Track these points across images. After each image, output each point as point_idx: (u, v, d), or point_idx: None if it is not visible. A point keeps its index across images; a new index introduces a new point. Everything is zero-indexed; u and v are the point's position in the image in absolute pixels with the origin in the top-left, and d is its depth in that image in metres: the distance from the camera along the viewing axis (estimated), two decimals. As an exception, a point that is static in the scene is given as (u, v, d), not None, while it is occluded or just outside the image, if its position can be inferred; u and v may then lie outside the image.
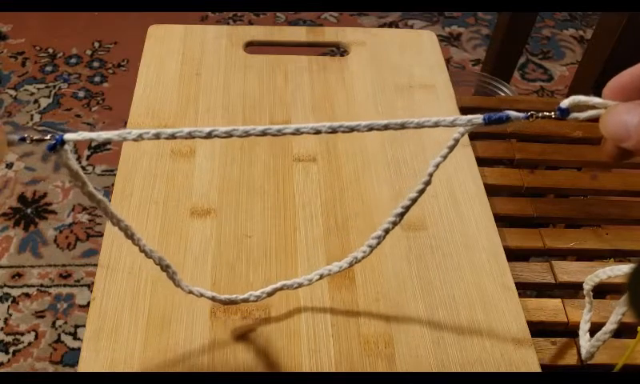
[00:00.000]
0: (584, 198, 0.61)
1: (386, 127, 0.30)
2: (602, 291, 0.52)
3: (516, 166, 0.61)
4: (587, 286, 0.40)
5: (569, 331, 0.47)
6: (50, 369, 0.90)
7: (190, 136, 0.30)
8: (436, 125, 0.30)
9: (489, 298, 0.44)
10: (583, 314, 0.42)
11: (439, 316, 0.43)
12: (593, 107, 0.29)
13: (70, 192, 1.12)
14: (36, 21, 1.48)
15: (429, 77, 0.61)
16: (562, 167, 0.63)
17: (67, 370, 0.90)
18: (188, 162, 0.51)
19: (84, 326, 0.41)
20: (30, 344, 0.92)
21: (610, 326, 0.38)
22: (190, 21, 1.29)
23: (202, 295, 0.39)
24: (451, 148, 0.34)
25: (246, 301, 0.41)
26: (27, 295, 0.98)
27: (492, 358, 0.41)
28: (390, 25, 1.54)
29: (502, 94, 0.90)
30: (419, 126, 0.30)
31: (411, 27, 1.53)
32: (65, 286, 1.00)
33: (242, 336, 0.41)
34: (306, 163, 0.52)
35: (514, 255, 0.51)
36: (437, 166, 0.35)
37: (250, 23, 1.51)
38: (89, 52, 1.42)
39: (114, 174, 0.50)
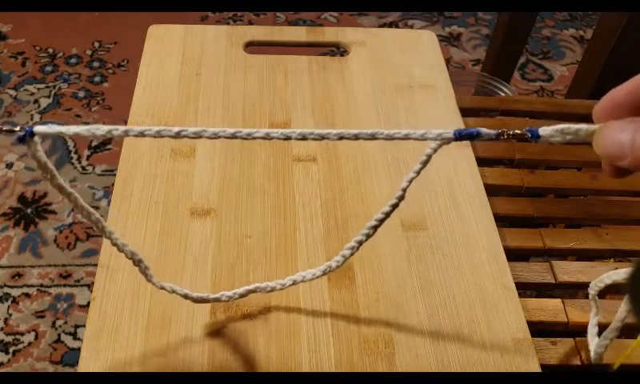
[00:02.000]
0: (584, 197, 0.61)
1: (356, 137, 0.30)
2: (602, 291, 0.52)
3: (516, 165, 0.60)
4: (592, 292, 0.40)
5: (569, 331, 0.47)
6: (50, 369, 0.90)
7: (159, 135, 0.30)
8: (406, 137, 0.30)
9: (489, 298, 0.44)
10: (590, 318, 0.42)
11: (439, 316, 0.43)
12: (576, 133, 0.29)
13: (70, 192, 1.12)
14: (36, 21, 1.48)
15: (429, 77, 0.61)
16: (562, 167, 0.63)
17: (67, 370, 0.90)
18: (188, 162, 0.51)
19: (84, 326, 0.41)
20: (30, 344, 0.92)
21: (616, 323, 0.38)
22: (190, 21, 1.30)
23: (173, 291, 0.39)
24: (424, 163, 0.33)
25: (217, 300, 0.41)
26: (27, 295, 0.98)
27: (492, 358, 0.41)
28: (390, 25, 1.54)
29: (502, 94, 0.90)
30: (389, 137, 0.30)
31: (411, 27, 1.53)
32: (65, 286, 1.00)
33: (242, 336, 0.41)
34: (305, 163, 0.52)
35: (514, 255, 0.51)
36: (410, 181, 0.35)
37: (250, 23, 1.51)
38: (89, 52, 1.42)
39: (114, 174, 0.50)
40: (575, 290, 0.57)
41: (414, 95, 0.59)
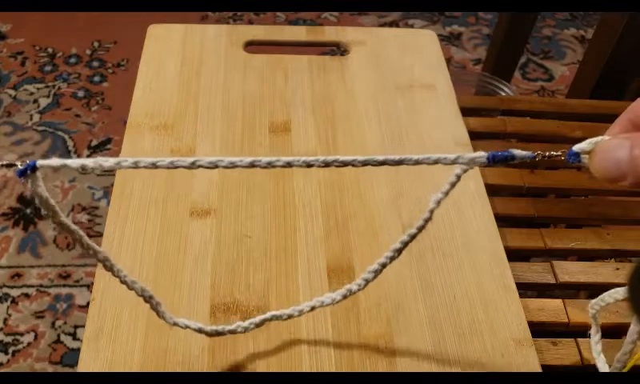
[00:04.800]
0: (585, 198, 0.61)
1: (383, 163, 0.29)
2: (603, 292, 0.52)
3: (517, 165, 0.60)
4: (592, 311, 0.40)
5: (570, 332, 0.47)
6: (50, 369, 0.90)
7: (173, 166, 0.28)
8: (437, 162, 0.29)
9: (489, 298, 0.44)
10: (592, 336, 0.41)
11: (440, 316, 0.43)
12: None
13: (69, 192, 1.12)
14: (36, 21, 1.48)
15: (429, 76, 0.61)
16: (563, 167, 0.63)
17: (67, 370, 0.90)
18: (188, 161, 0.51)
19: (83, 326, 0.41)
20: (29, 344, 0.92)
21: (628, 346, 0.37)
22: (190, 21, 1.29)
23: (187, 327, 0.37)
24: (453, 184, 0.32)
25: (233, 332, 0.39)
26: (27, 295, 0.98)
27: (493, 358, 0.41)
28: (391, 24, 1.54)
29: (503, 94, 0.90)
30: (417, 162, 0.29)
31: (412, 27, 1.53)
32: (64, 286, 1.00)
33: (242, 336, 0.41)
34: (306, 163, 0.52)
35: (515, 255, 0.51)
36: (438, 202, 0.33)
37: (250, 23, 1.51)
38: (88, 52, 1.42)
39: (114, 174, 0.49)
40: (576, 291, 0.57)
41: (414, 95, 0.59)
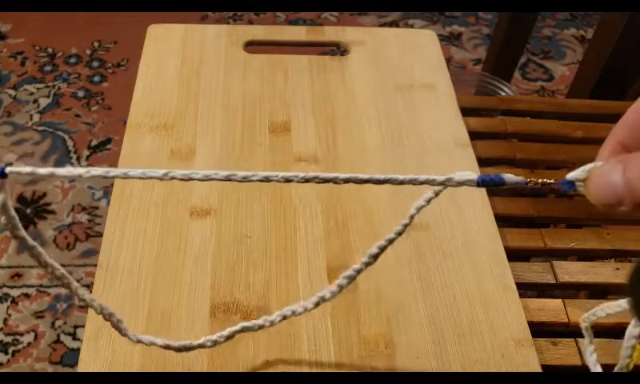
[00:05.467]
0: (585, 197, 0.61)
1: (367, 181, 0.28)
2: (603, 292, 0.52)
3: (517, 165, 0.60)
4: (585, 323, 0.39)
5: (570, 332, 0.47)
6: (50, 369, 0.90)
7: (125, 176, 0.26)
8: (427, 182, 0.28)
9: (489, 298, 0.44)
10: (586, 349, 0.40)
11: (439, 316, 0.43)
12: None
13: (69, 192, 1.12)
14: (36, 21, 1.48)
15: (429, 76, 0.61)
16: (563, 167, 0.63)
17: (67, 370, 0.90)
18: (187, 162, 0.51)
19: (83, 326, 0.41)
20: (29, 344, 0.92)
21: (627, 351, 0.37)
22: (190, 21, 1.29)
23: (152, 343, 0.36)
24: (437, 193, 0.31)
25: (202, 346, 0.37)
26: (26, 295, 0.98)
27: (492, 358, 0.41)
28: (391, 24, 1.54)
29: (503, 94, 0.90)
30: (405, 182, 0.28)
31: (412, 27, 1.53)
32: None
33: (242, 336, 0.41)
34: (306, 163, 0.52)
35: (515, 255, 0.51)
36: (419, 209, 0.32)
37: (250, 23, 1.51)
38: (88, 52, 1.42)
39: (114, 174, 0.49)
40: (576, 291, 0.57)
41: (414, 95, 0.59)
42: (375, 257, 0.34)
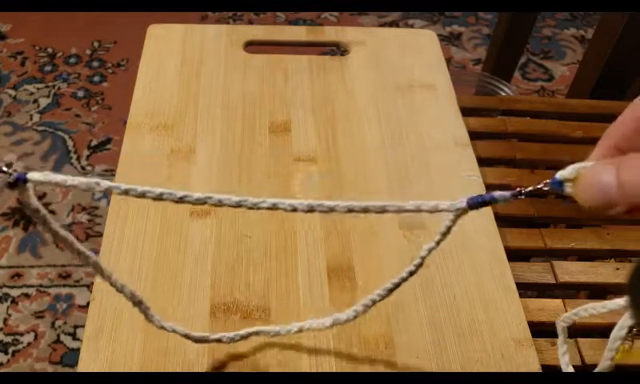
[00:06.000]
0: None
1: (365, 210, 0.29)
2: (603, 292, 0.52)
3: (516, 165, 0.60)
4: (563, 324, 0.38)
5: (570, 332, 0.47)
6: (50, 369, 0.90)
7: (160, 198, 0.28)
8: (417, 209, 0.28)
9: (489, 298, 0.44)
10: (559, 349, 0.40)
11: (439, 316, 0.43)
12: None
13: (69, 192, 1.12)
14: (35, 21, 1.48)
15: (429, 76, 0.61)
16: (563, 167, 0.63)
17: (67, 370, 0.90)
18: (188, 161, 0.51)
19: (83, 326, 0.41)
20: (29, 344, 0.92)
21: (615, 343, 0.36)
22: (190, 21, 1.29)
23: (174, 331, 0.37)
24: (444, 234, 0.32)
25: (219, 341, 0.39)
26: (26, 295, 0.98)
27: (492, 358, 0.41)
28: (391, 24, 1.54)
29: (503, 94, 0.90)
30: (400, 210, 0.29)
31: (411, 27, 1.53)
32: (64, 286, 1.00)
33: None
34: (306, 163, 0.52)
35: (515, 255, 0.51)
36: (429, 250, 0.33)
37: (250, 23, 1.51)
38: (88, 52, 1.42)
39: (114, 174, 0.49)
40: (576, 291, 0.57)
41: (414, 95, 0.59)
42: (390, 291, 0.36)
